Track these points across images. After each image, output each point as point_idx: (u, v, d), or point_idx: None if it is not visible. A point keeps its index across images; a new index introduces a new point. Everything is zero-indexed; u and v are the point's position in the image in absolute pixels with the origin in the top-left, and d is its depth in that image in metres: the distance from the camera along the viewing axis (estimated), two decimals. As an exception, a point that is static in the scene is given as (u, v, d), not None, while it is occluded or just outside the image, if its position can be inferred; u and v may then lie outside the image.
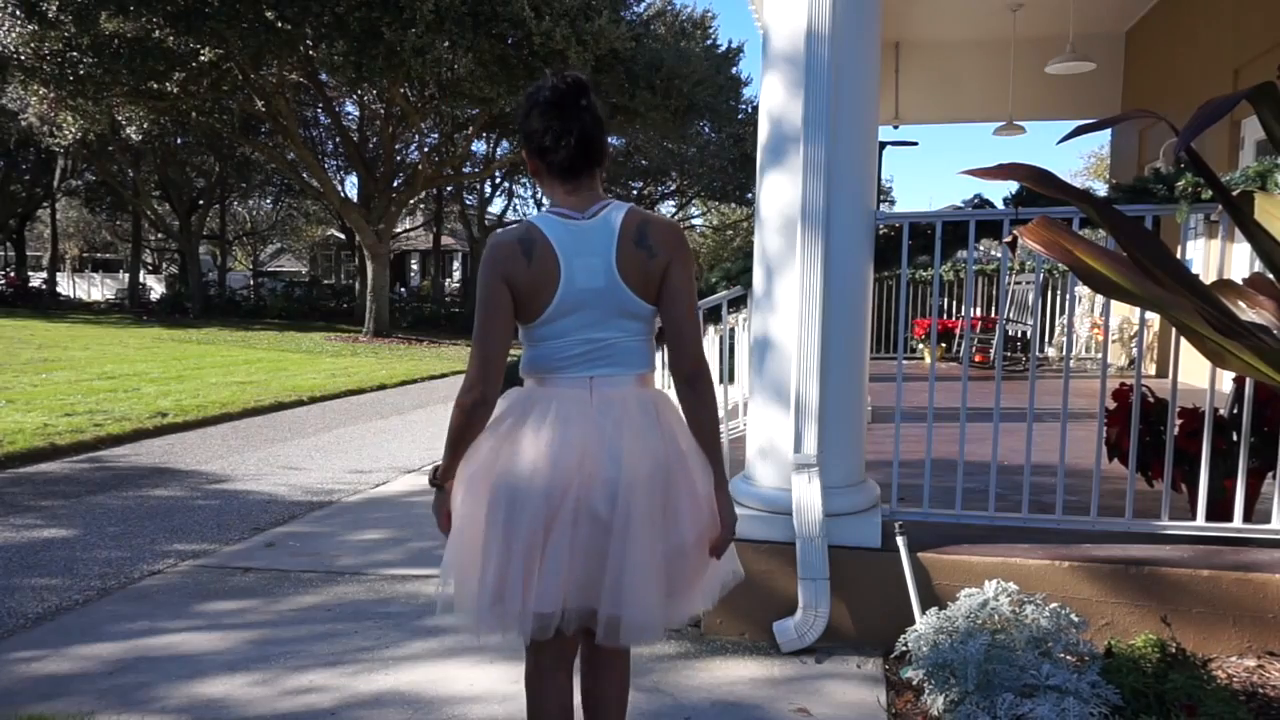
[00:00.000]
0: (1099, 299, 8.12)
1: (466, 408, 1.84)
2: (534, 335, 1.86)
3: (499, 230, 1.91)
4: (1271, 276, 1.82)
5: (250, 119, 20.97)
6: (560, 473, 1.77)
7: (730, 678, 2.97)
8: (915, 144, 10.50)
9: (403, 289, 34.42)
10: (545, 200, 1.94)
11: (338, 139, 25.84)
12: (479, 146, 26.27)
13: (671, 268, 1.85)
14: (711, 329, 4.84)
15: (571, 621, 1.83)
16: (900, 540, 3.09)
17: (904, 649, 2.69)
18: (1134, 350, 5.32)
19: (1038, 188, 1.76)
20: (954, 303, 11.94)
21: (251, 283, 34.33)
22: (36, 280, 31.82)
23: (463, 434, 1.87)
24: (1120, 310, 8.38)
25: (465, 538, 1.87)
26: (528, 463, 1.79)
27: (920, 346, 10.94)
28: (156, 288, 33.93)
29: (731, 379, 5.35)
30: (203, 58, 16.69)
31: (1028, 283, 10.38)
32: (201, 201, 29.22)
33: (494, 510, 1.81)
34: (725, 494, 1.95)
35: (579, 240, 1.81)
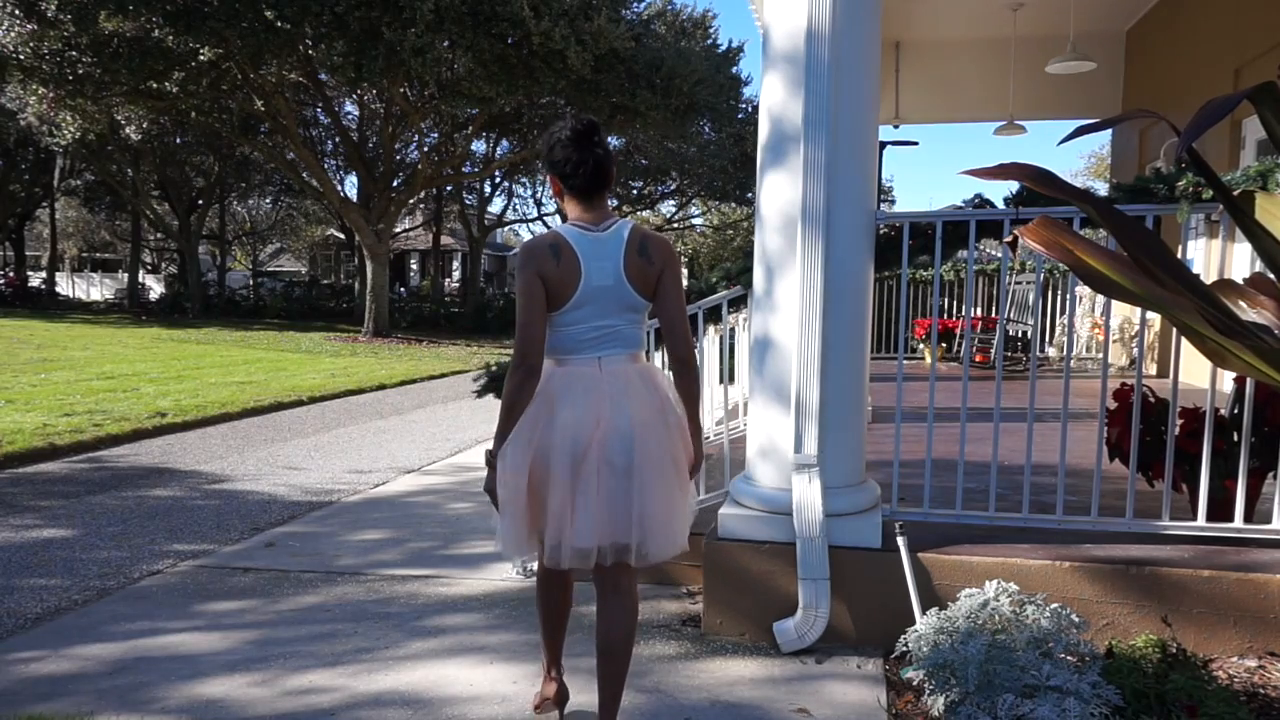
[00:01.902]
0: (1099, 299, 8.12)
1: (520, 378, 2.28)
2: (556, 322, 2.32)
3: (533, 237, 2.36)
4: (1272, 276, 1.81)
5: (250, 118, 20.94)
6: (584, 432, 2.25)
7: (730, 678, 2.97)
8: (915, 144, 10.47)
9: (402, 289, 34.42)
10: (567, 213, 2.41)
11: (337, 139, 25.83)
12: (479, 146, 26.27)
13: (665, 273, 2.36)
14: (711, 329, 4.83)
15: (607, 555, 2.29)
16: (901, 540, 3.09)
17: (904, 649, 2.68)
18: (1134, 350, 5.32)
19: (1038, 187, 1.75)
20: (954, 303, 11.93)
21: (251, 283, 34.28)
22: (36, 280, 31.81)
23: (517, 400, 2.29)
24: (1121, 310, 8.37)
25: (510, 491, 2.32)
26: (557, 428, 2.26)
27: (920, 346, 10.94)
28: (156, 288, 33.88)
29: (732, 379, 5.34)
30: (202, 57, 16.67)
31: (1028, 283, 10.38)
32: (201, 201, 29.20)
33: (534, 468, 2.28)
34: (699, 436, 2.51)
35: (595, 248, 2.30)
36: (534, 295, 2.25)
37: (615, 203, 32.48)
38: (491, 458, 2.35)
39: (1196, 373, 5.25)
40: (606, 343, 2.32)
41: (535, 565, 2.86)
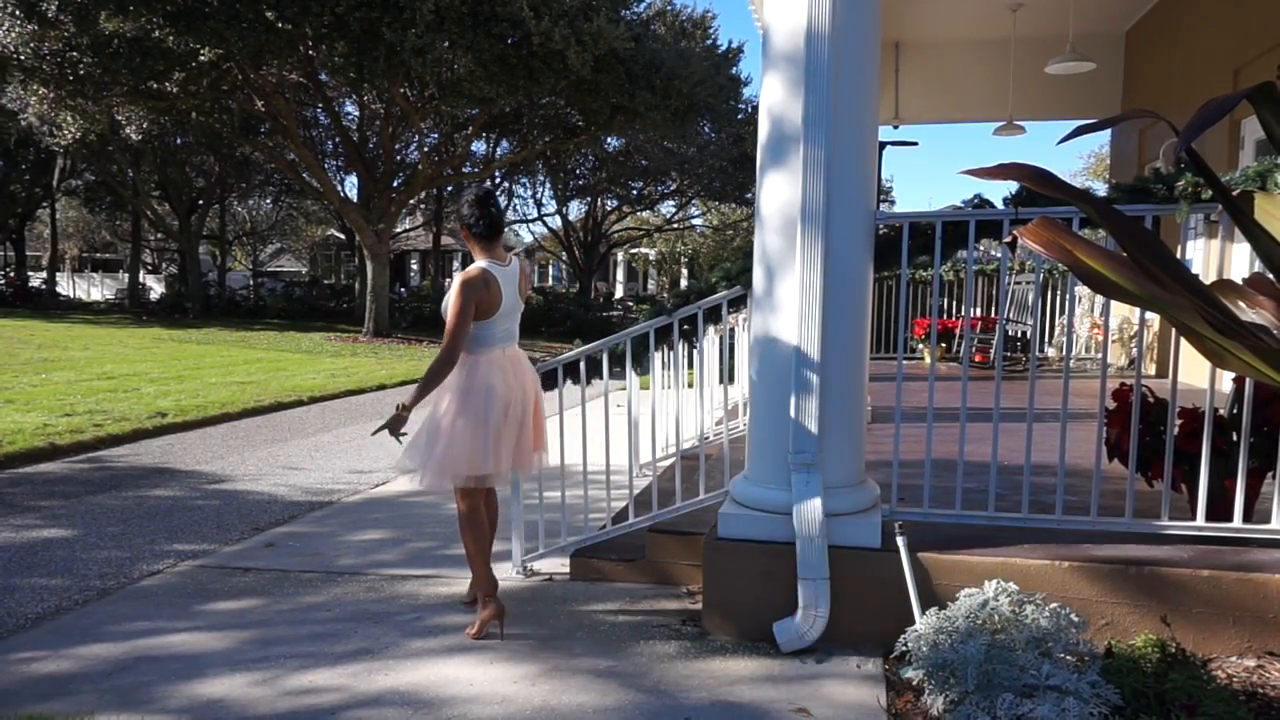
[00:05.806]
0: (1099, 299, 8.12)
1: (443, 366, 3.32)
2: (484, 326, 3.41)
3: (470, 269, 3.38)
4: (1271, 276, 1.82)
5: (250, 119, 20.91)
6: (506, 393, 3.42)
7: (730, 678, 2.97)
8: (915, 144, 10.45)
9: (402, 289, 34.34)
10: (473, 252, 3.50)
11: (338, 139, 25.80)
12: (479, 146, 26.25)
13: (529, 288, 3.63)
14: (711, 329, 4.83)
15: (507, 475, 3.60)
16: (900, 540, 3.09)
17: (904, 649, 2.69)
18: (1134, 350, 5.32)
19: (1038, 188, 1.76)
20: (954, 303, 11.93)
21: (251, 283, 34.25)
22: (36, 280, 31.76)
23: (435, 380, 3.34)
24: (1120, 310, 8.37)
25: (454, 436, 3.37)
26: (494, 397, 3.39)
27: (920, 346, 10.94)
28: (156, 288, 33.83)
29: (732, 379, 5.35)
30: (202, 57, 16.65)
31: (1028, 283, 10.38)
32: (201, 201, 29.16)
33: (480, 418, 3.37)
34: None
35: (505, 276, 3.45)
36: (468, 313, 3.31)
37: (617, 203, 32.68)
38: (403, 410, 3.35)
39: (1196, 373, 5.25)
40: (509, 338, 3.53)
41: (535, 565, 3.59)
